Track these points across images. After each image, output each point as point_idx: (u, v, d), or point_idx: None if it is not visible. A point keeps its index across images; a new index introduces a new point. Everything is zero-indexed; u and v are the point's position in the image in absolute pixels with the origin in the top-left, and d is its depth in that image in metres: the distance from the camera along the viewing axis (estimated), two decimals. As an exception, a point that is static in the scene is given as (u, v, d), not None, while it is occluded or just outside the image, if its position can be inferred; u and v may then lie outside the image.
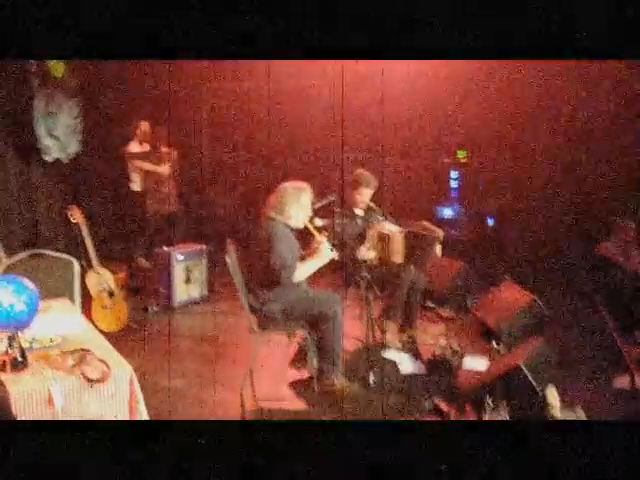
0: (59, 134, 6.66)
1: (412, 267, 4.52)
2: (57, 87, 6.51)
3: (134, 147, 6.57)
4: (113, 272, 4.99)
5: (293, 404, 3.78)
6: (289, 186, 3.86)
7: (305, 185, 3.88)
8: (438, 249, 4.62)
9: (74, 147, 6.95)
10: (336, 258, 3.92)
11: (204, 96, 7.58)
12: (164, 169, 6.53)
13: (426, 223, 4.78)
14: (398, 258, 4.45)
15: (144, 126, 6.54)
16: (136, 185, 6.60)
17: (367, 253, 4.43)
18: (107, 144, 6.99)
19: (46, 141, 6.47)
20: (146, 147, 6.57)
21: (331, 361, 3.77)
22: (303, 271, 3.81)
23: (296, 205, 3.81)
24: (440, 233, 4.59)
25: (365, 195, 4.73)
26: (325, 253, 3.83)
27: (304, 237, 3.99)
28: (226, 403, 3.70)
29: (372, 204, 4.82)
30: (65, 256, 3.99)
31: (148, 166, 6.50)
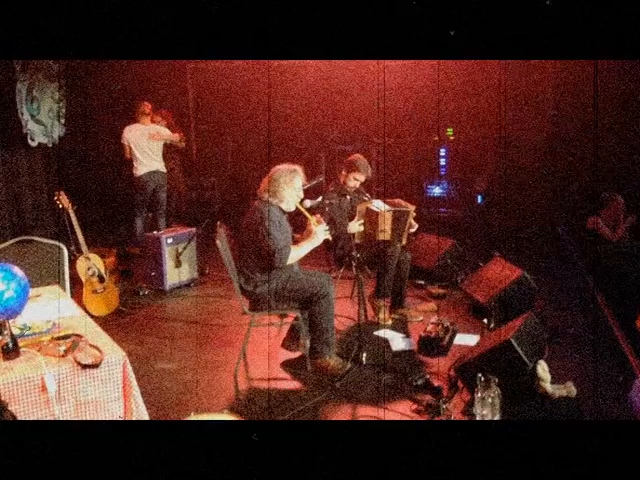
0: (43, 118, 6.58)
1: (398, 245, 4.55)
2: (39, 71, 6.41)
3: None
4: (102, 257, 4.97)
5: (286, 384, 3.80)
6: (282, 169, 3.85)
7: (298, 168, 3.88)
8: (414, 223, 4.66)
9: (58, 131, 6.88)
10: (330, 239, 3.93)
11: (189, 76, 7.50)
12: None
13: (399, 200, 4.79)
14: (386, 236, 4.47)
15: (147, 107, 6.36)
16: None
17: (357, 227, 4.45)
18: (94, 127, 6.92)
19: (30, 126, 6.39)
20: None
21: (323, 341, 3.79)
22: (297, 254, 3.82)
23: (289, 188, 3.80)
24: (412, 208, 4.61)
25: (358, 181, 4.75)
26: (319, 235, 3.84)
27: (294, 219, 4.00)
28: (220, 385, 3.72)
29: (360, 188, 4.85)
30: (53, 242, 3.96)
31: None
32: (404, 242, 4.64)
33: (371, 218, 4.48)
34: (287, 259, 3.74)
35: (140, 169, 6.31)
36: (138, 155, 6.27)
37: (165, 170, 6.49)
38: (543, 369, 3.43)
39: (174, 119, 6.87)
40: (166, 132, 6.41)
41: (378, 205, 4.58)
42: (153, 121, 6.42)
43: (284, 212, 3.88)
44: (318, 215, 3.97)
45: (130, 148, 6.26)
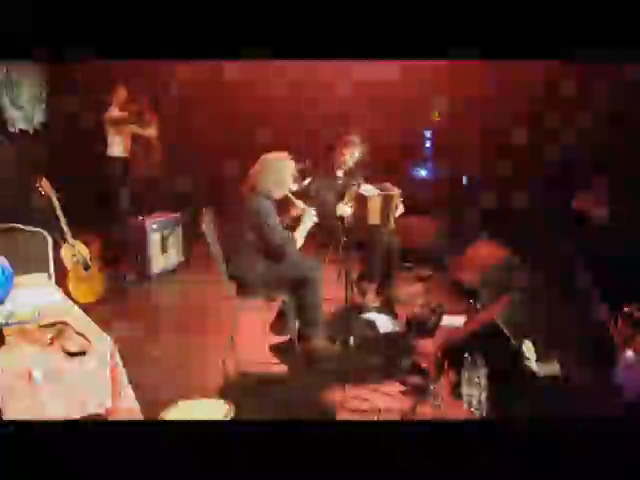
0: (23, 103, 6.48)
1: (386, 229, 4.56)
2: (18, 55, 6.28)
3: (115, 112, 6.33)
4: (87, 243, 4.92)
5: (275, 367, 3.82)
6: (272, 159, 3.78)
7: (287, 156, 3.81)
8: (400, 206, 4.66)
9: (39, 117, 6.77)
10: (316, 221, 3.92)
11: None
12: (151, 132, 6.57)
13: (387, 184, 4.80)
14: (375, 220, 4.47)
15: (122, 92, 6.31)
16: (118, 150, 6.38)
17: (345, 209, 4.44)
18: (75, 112, 6.81)
19: (10, 111, 6.28)
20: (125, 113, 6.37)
21: (311, 324, 3.80)
22: (299, 241, 3.81)
23: (281, 178, 3.75)
24: (398, 192, 4.61)
25: (353, 157, 4.75)
26: (308, 218, 3.83)
27: (278, 204, 3.96)
28: (208, 370, 3.72)
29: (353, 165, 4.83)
30: (37, 229, 3.92)
31: (137, 129, 6.39)
32: (392, 225, 4.65)
33: (361, 203, 4.47)
34: (296, 246, 3.74)
35: (116, 150, 6.33)
36: (116, 137, 6.30)
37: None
38: (528, 348, 3.46)
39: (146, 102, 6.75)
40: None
41: (367, 189, 4.57)
42: (125, 109, 6.39)
43: (272, 200, 3.83)
44: (302, 200, 3.94)
45: (111, 131, 6.27)
